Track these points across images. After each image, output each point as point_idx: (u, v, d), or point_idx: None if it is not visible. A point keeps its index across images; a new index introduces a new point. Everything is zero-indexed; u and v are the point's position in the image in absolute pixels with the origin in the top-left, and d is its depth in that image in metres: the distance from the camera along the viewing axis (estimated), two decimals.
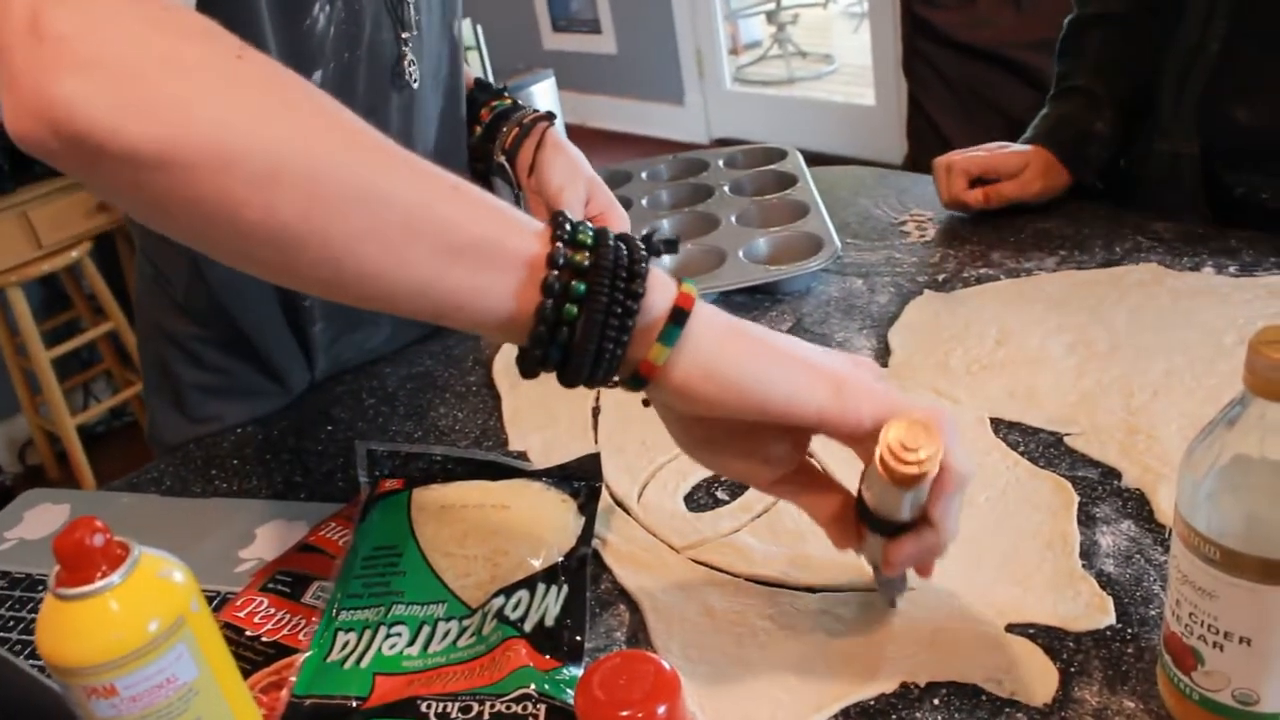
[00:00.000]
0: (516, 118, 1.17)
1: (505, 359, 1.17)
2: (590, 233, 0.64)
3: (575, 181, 1.12)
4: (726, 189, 1.39)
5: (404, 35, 1.05)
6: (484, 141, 1.19)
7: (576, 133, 4.25)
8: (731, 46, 5.37)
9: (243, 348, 1.17)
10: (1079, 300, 1.11)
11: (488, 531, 0.84)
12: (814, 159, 1.51)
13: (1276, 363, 0.54)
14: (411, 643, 0.76)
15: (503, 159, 1.17)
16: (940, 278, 1.20)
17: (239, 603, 0.82)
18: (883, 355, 1.07)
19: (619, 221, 1.12)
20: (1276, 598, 0.56)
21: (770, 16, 5.75)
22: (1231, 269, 1.12)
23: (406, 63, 1.06)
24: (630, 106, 5.33)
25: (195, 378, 1.19)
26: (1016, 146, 1.34)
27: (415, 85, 1.08)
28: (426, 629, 0.77)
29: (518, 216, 0.64)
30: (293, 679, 0.74)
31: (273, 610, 0.82)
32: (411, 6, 1.05)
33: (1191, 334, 1.02)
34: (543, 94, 3.75)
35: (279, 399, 1.20)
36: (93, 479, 3.28)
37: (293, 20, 0.94)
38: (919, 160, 2.39)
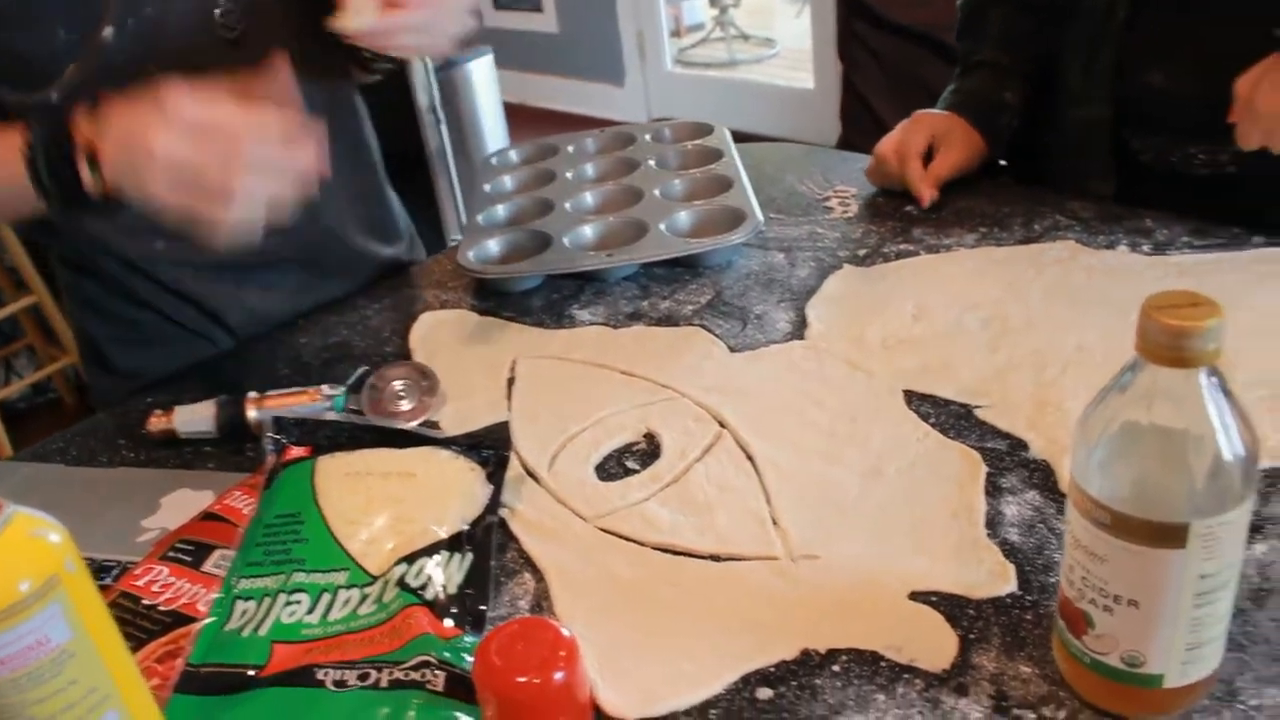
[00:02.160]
0: None
1: (423, 329, 1.15)
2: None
3: None
4: (652, 163, 1.39)
5: None
6: None
7: (516, 111, 4.22)
8: (674, 28, 5.35)
9: (137, 295, 1.18)
10: (996, 276, 1.12)
11: (392, 499, 0.82)
12: (751, 140, 1.51)
13: (1165, 327, 0.54)
14: (311, 610, 0.75)
15: None
16: (861, 253, 1.20)
17: (137, 571, 0.81)
18: (800, 328, 1.07)
19: None
20: (1163, 560, 0.57)
21: None
22: (1145, 248, 1.14)
23: (219, 13, 1.09)
24: (570, 86, 5.30)
25: (106, 331, 1.21)
26: (936, 111, 1.35)
27: (233, 35, 1.10)
28: (327, 597, 0.76)
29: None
30: (189, 647, 0.73)
31: (172, 579, 0.80)
32: None
33: (1104, 311, 1.03)
34: (480, 71, 3.71)
35: (199, 345, 1.20)
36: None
37: None
38: (851, 140, 2.40)
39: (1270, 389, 0.89)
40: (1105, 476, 0.58)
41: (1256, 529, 0.75)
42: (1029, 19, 1.33)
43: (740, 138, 1.46)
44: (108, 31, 1.03)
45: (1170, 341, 0.54)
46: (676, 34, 5.47)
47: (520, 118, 4.12)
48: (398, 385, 1.02)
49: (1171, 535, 0.56)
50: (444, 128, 3.40)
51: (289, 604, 0.75)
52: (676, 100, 4.98)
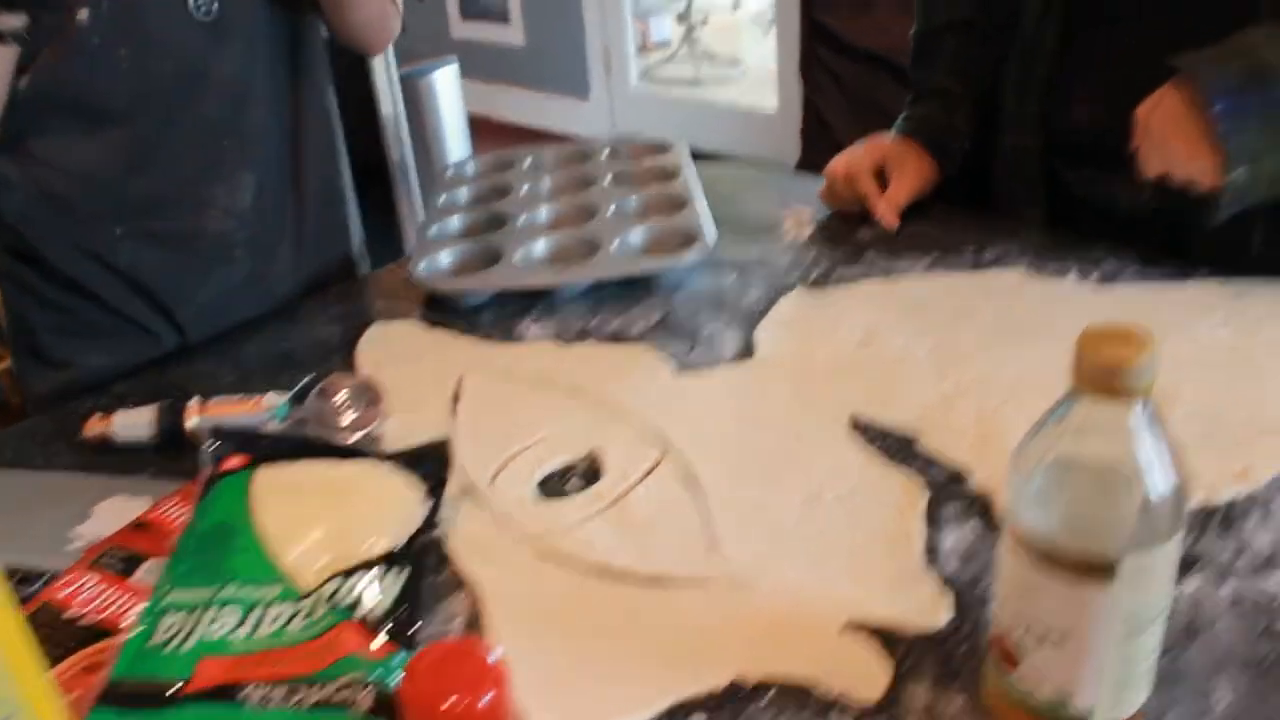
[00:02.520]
0: None
1: (371, 340, 1.14)
2: None
3: None
4: (609, 180, 1.38)
5: None
6: None
7: (481, 123, 4.21)
8: (641, 44, 5.36)
9: (81, 285, 1.18)
10: (946, 303, 1.12)
11: (329, 513, 0.81)
12: (714, 159, 1.51)
13: (1099, 359, 0.54)
14: (240, 625, 0.74)
15: None
16: (813, 275, 1.20)
17: (62, 582, 0.79)
18: (749, 349, 1.07)
19: None
20: (1092, 595, 0.57)
21: (680, 17, 5.75)
22: (1094, 276, 1.14)
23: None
24: (536, 99, 5.29)
25: (41, 318, 1.20)
26: (890, 134, 1.36)
27: (208, 20, 1.12)
28: (257, 611, 0.75)
29: None
30: (112, 660, 0.71)
31: (100, 589, 0.79)
32: None
33: (1050, 340, 1.03)
34: (445, 80, 3.69)
35: (143, 342, 1.20)
36: None
37: None
38: (811, 161, 2.41)
39: (1208, 422, 0.90)
40: (1037, 509, 0.58)
41: (1189, 565, 0.76)
42: (978, 48, 1.34)
43: (703, 156, 1.46)
44: (83, 14, 1.05)
45: (1104, 374, 0.54)
46: (643, 50, 5.48)
47: (485, 130, 4.12)
48: (342, 397, 1.01)
49: (1101, 570, 0.56)
50: (406, 138, 3.38)
51: (218, 618, 0.74)
52: (641, 116, 4.99)
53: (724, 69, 5.58)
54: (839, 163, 1.35)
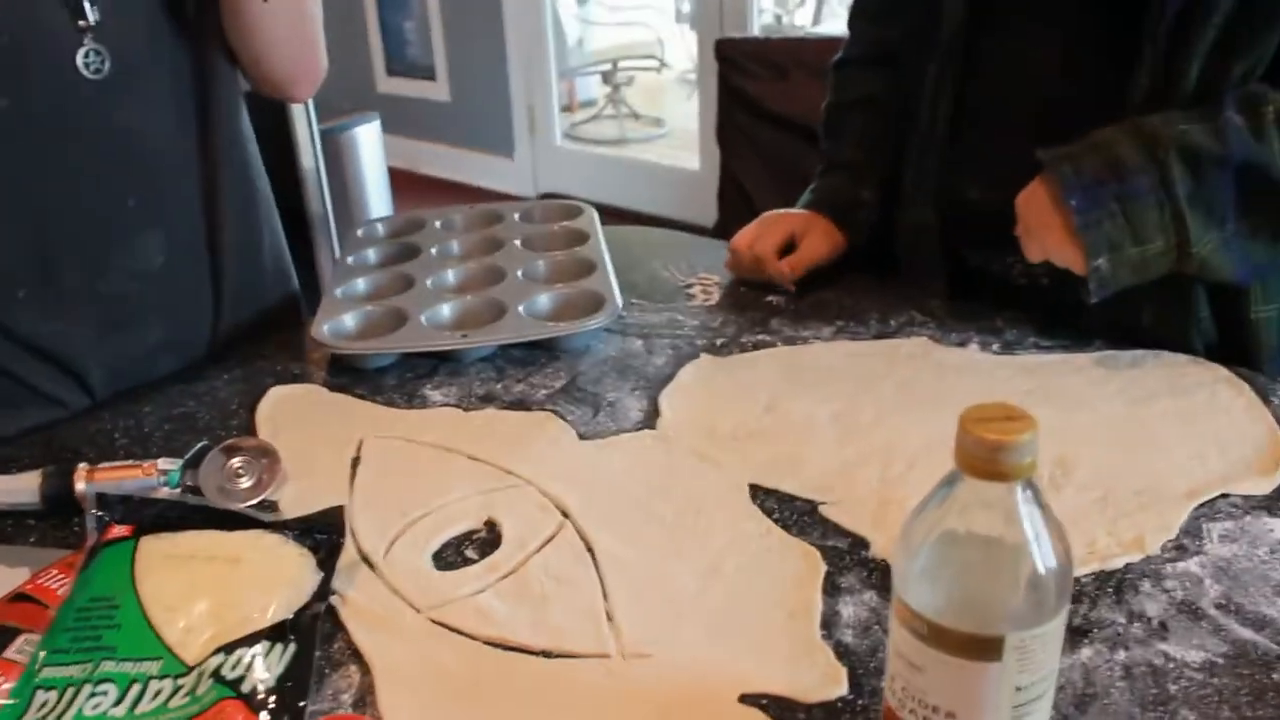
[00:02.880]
0: None
1: (271, 403, 1.12)
2: None
3: None
4: (518, 243, 1.38)
5: (81, 23, 1.06)
6: None
7: (404, 178, 4.20)
8: (566, 103, 5.40)
9: None
10: (850, 371, 1.13)
11: (216, 584, 0.79)
12: (636, 219, 1.52)
13: (980, 440, 0.55)
14: (118, 702, 0.71)
15: None
16: (719, 342, 1.21)
17: None
18: (653, 416, 1.07)
19: None
20: (979, 672, 0.57)
21: (606, 77, 5.81)
22: (995, 346, 1.16)
23: (83, 54, 1.07)
24: (460, 156, 5.30)
25: None
26: (795, 211, 1.37)
27: (99, 78, 1.08)
28: (137, 687, 0.72)
29: None
30: None
31: None
32: None
33: (952, 408, 1.04)
34: (367, 136, 3.69)
35: (49, 410, 1.15)
36: None
37: None
38: (727, 225, 2.43)
39: (1104, 490, 0.91)
40: (924, 587, 0.58)
41: (1082, 633, 0.76)
42: (885, 125, 1.37)
43: (625, 216, 1.47)
44: None
45: (986, 455, 0.55)
46: (569, 109, 5.53)
47: (407, 185, 4.11)
48: (237, 462, 0.99)
49: (987, 647, 0.56)
50: (326, 192, 3.36)
51: (94, 695, 0.71)
52: (565, 174, 5.01)
53: (648, 128, 5.65)
54: (744, 238, 1.36)
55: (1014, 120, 1.21)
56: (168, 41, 1.16)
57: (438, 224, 1.46)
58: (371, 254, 1.40)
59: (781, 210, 1.39)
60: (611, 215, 1.60)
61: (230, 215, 1.26)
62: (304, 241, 3.39)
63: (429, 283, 1.27)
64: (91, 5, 1.06)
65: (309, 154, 3.35)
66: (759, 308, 1.29)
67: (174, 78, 1.17)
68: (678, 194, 4.48)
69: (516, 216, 1.47)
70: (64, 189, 1.11)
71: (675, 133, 5.45)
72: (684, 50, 5.54)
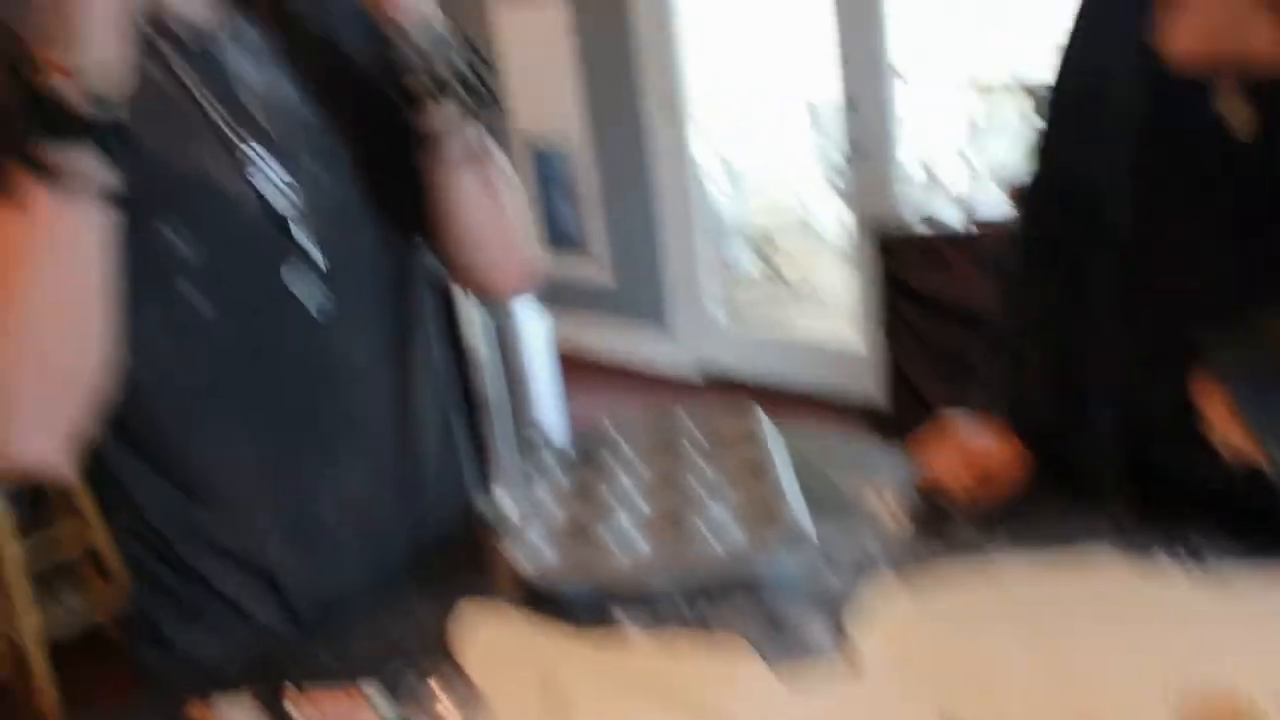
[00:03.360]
0: None
1: (467, 627, 1.15)
2: None
3: None
4: (701, 463, 1.40)
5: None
6: None
7: (565, 361, 4.25)
8: (721, 277, 5.48)
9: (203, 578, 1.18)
10: (1041, 595, 1.11)
11: None
12: (796, 398, 1.50)
13: None
14: None
15: None
16: (904, 561, 1.20)
17: None
18: (838, 643, 1.07)
19: None
20: None
21: (758, 250, 5.90)
22: (1183, 555, 1.12)
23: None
24: (617, 334, 5.34)
25: (157, 603, 1.20)
26: (983, 428, 1.37)
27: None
28: None
29: None
30: None
31: None
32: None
33: (1148, 635, 1.02)
34: (532, 324, 3.74)
35: (253, 629, 1.21)
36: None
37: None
38: (903, 420, 2.40)
39: None
40: None
41: None
42: (1058, 332, 1.37)
43: (786, 395, 1.45)
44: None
45: None
46: (725, 284, 5.60)
47: (569, 368, 4.16)
48: (435, 686, 1.03)
49: None
50: (501, 380, 3.41)
51: None
52: (723, 351, 5.00)
53: (801, 298, 5.66)
54: (940, 462, 1.35)
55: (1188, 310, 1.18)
56: (385, 276, 1.24)
57: (619, 451, 1.47)
58: (557, 482, 1.41)
59: (967, 422, 1.39)
60: (771, 398, 1.59)
61: (429, 426, 1.32)
62: (470, 420, 3.46)
63: (622, 519, 1.28)
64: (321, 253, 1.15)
65: (481, 339, 3.43)
66: (939, 522, 1.28)
67: (380, 302, 1.24)
68: (840, 373, 4.40)
69: (693, 437, 1.49)
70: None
71: (829, 301, 5.44)
72: (833, 215, 5.55)
